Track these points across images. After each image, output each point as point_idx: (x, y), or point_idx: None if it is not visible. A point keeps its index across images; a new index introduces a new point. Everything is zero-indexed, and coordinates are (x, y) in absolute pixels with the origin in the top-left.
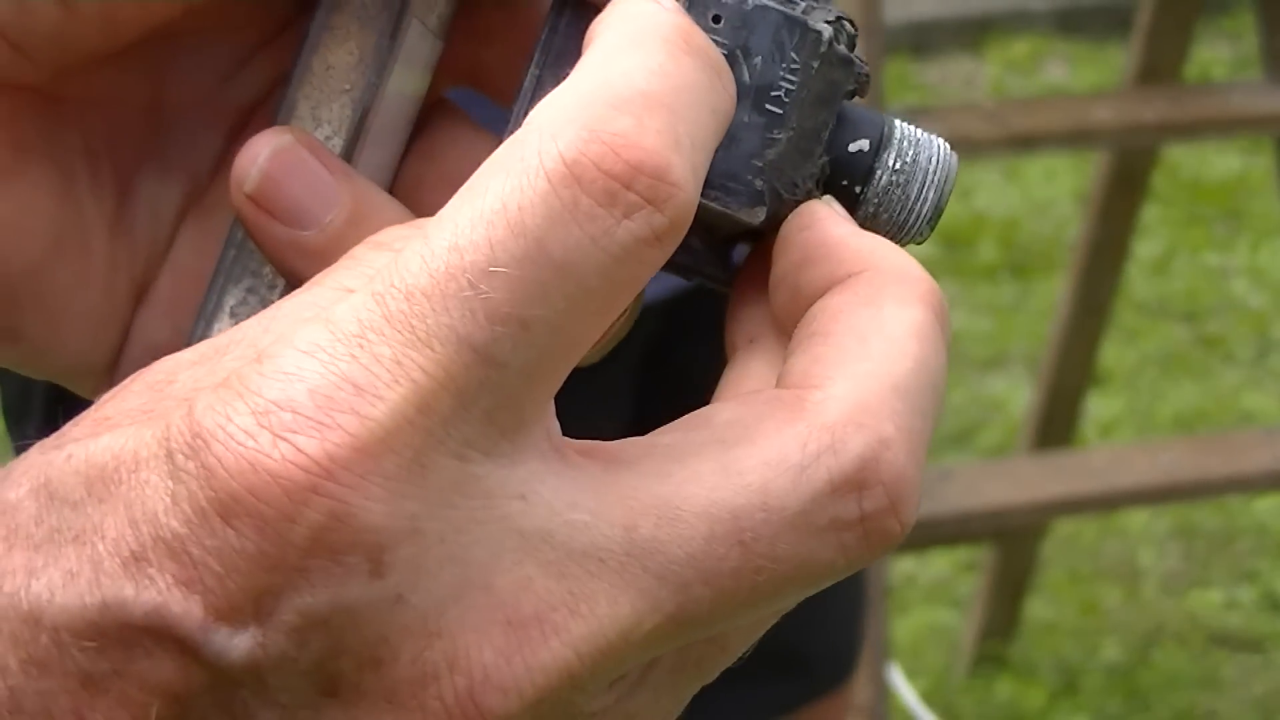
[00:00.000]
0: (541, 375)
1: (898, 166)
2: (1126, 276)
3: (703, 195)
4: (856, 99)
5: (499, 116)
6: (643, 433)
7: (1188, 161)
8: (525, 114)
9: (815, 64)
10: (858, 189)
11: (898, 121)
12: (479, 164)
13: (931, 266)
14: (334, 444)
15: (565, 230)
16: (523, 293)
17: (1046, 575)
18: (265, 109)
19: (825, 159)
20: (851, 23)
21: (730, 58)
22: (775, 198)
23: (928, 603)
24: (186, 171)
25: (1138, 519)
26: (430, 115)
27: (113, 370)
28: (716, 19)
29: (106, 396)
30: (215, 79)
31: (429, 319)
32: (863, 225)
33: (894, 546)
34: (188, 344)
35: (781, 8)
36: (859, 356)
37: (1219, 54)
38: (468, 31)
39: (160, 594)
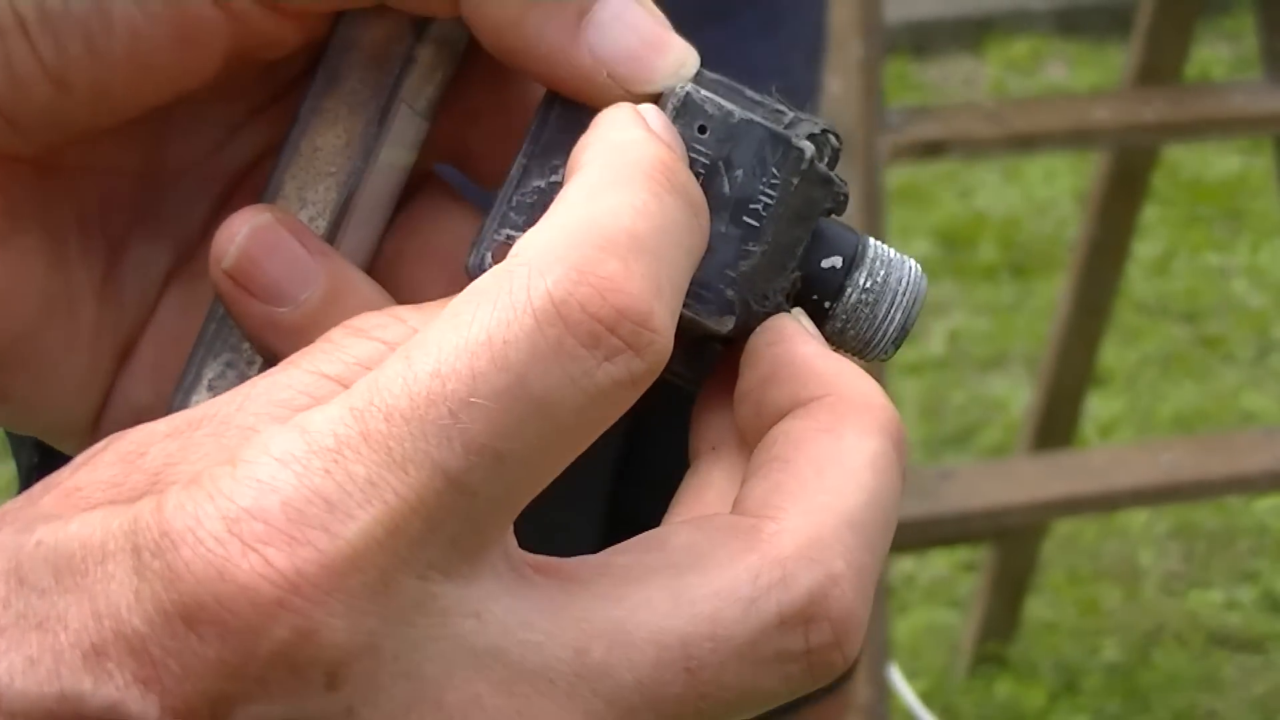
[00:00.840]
0: (508, 503)
1: (868, 285)
2: (1126, 276)
3: None
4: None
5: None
6: (635, 451)
7: (1188, 161)
8: (510, 201)
9: (795, 181)
10: (827, 304)
11: (872, 240)
12: (459, 239)
13: (932, 266)
14: (303, 559)
15: (547, 368)
16: (501, 426)
17: (1046, 575)
18: (254, 176)
19: (798, 273)
20: (836, 135)
21: (712, 168)
22: (745, 308)
23: (927, 603)
24: (174, 236)
25: (1138, 519)
26: (414, 188)
27: (95, 429)
28: (702, 129)
29: (80, 460)
30: (208, 146)
31: (406, 443)
32: (829, 339)
33: (835, 677)
34: (167, 413)
35: (767, 122)
36: (816, 489)
37: (1219, 54)
38: (453, 112)
39: (118, 690)
